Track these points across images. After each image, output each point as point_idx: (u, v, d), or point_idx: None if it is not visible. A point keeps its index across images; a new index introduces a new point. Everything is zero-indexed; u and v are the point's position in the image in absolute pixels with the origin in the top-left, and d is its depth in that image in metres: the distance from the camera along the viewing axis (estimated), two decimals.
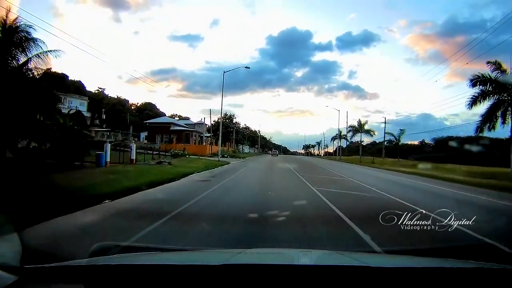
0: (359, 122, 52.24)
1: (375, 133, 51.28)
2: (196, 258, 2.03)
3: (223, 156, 35.24)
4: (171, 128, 48.85)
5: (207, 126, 57.72)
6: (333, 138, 70.26)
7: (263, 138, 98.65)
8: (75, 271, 1.50)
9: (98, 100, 49.34)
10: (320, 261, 1.96)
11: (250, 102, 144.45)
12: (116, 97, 60.45)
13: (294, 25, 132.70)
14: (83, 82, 53.04)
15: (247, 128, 79.66)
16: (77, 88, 49.15)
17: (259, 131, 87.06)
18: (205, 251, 2.52)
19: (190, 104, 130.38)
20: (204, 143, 50.21)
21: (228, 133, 58.83)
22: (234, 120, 64.68)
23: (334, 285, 1.39)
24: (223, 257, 1.84)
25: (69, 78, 49.17)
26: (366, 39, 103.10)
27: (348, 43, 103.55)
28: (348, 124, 55.18)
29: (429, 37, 79.47)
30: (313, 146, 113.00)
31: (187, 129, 52.61)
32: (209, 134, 52.52)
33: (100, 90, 59.36)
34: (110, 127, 41.19)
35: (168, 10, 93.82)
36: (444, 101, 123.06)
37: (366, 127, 51.77)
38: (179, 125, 52.89)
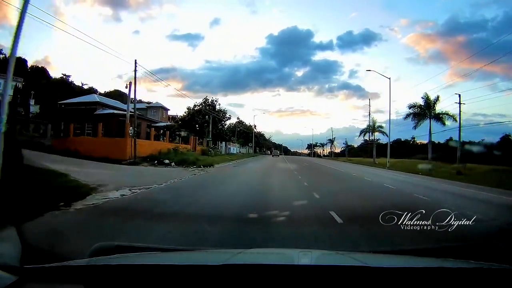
0: (427, 98, 32.38)
1: (456, 120, 30.86)
2: (196, 258, 2.03)
3: (153, 160, 20.63)
4: (95, 112, 28.91)
5: (168, 112, 44.77)
6: (363, 131, 48.31)
7: (261, 135, 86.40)
8: (75, 271, 1.49)
9: (37, 82, 38.38)
10: (320, 261, 1.96)
11: (251, 101, 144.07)
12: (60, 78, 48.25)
13: (295, 24, 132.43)
14: (47, 69, 48.03)
15: (241, 122, 66.07)
16: (38, 73, 43.79)
17: (254, 126, 70.74)
18: (205, 251, 2.51)
19: (190, 104, 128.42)
20: (164, 138, 30.72)
21: (204, 123, 40.71)
22: (217, 107, 43.62)
23: (334, 285, 1.39)
24: (223, 257, 1.83)
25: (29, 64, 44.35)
26: (367, 39, 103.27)
27: (349, 42, 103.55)
28: (366, 119, 43.04)
29: (430, 37, 79.37)
30: (323, 145, 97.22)
31: (123, 113, 26.90)
32: (166, 124, 36.53)
33: (64, 77, 49.90)
34: (42, 117, 29.98)
35: (169, 9, 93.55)
36: (445, 100, 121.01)
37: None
38: (112, 107, 30.59)
